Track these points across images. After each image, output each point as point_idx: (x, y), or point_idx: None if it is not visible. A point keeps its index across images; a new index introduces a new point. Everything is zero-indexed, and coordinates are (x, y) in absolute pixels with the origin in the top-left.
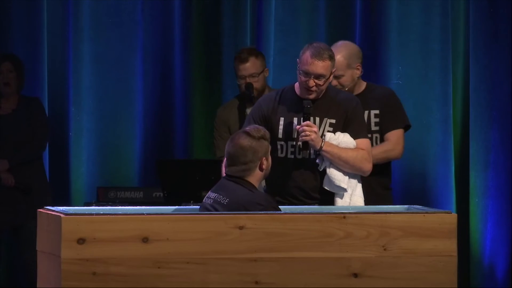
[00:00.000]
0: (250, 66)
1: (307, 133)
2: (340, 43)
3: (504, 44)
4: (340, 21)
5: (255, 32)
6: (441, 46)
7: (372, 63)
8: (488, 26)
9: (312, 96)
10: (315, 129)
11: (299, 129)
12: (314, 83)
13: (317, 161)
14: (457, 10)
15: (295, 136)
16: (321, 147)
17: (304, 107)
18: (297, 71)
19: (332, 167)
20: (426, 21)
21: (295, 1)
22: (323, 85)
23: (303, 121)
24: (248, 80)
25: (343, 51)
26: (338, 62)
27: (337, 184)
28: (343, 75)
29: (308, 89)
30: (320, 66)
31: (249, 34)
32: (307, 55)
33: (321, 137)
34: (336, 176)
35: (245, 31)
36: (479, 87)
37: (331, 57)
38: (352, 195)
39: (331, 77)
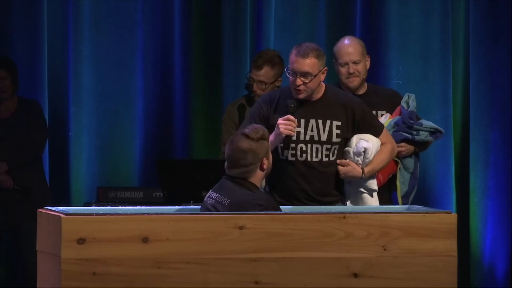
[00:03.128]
0: (261, 74)
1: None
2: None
3: (504, 44)
4: (340, 21)
5: (255, 32)
6: (441, 46)
7: (372, 63)
8: (488, 26)
9: (301, 96)
10: (355, 168)
11: (341, 173)
12: (301, 82)
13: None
14: (457, 10)
15: (295, 139)
16: (363, 175)
17: (287, 107)
18: (286, 71)
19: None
20: (426, 21)
21: (295, 1)
22: (309, 82)
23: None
24: (255, 84)
25: (359, 41)
26: (356, 48)
27: (370, 187)
28: (360, 61)
29: (296, 89)
30: (305, 63)
31: (249, 34)
32: (293, 54)
33: (357, 162)
34: (367, 182)
35: (245, 31)
36: (479, 87)
37: (319, 56)
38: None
39: (323, 76)
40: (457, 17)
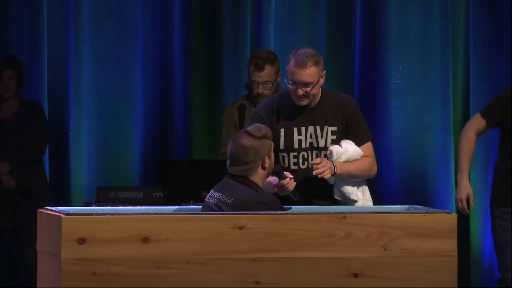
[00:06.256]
0: (265, 74)
1: (324, 173)
2: None
3: (504, 44)
4: (340, 21)
5: (255, 32)
6: (441, 46)
7: (372, 63)
8: (488, 26)
9: (304, 103)
10: (329, 165)
11: (315, 173)
12: (303, 91)
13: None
14: (457, 10)
15: (297, 147)
16: (334, 173)
17: (275, 172)
18: (285, 79)
19: (340, 180)
20: (426, 21)
21: (295, 1)
22: (311, 90)
23: (278, 183)
24: (261, 86)
25: None
26: None
27: (348, 197)
28: None
29: (298, 97)
30: (305, 74)
31: (249, 34)
32: (291, 64)
33: (329, 157)
34: (346, 189)
35: (245, 31)
36: (479, 87)
37: (317, 63)
38: (363, 200)
39: (322, 80)
40: (457, 17)
